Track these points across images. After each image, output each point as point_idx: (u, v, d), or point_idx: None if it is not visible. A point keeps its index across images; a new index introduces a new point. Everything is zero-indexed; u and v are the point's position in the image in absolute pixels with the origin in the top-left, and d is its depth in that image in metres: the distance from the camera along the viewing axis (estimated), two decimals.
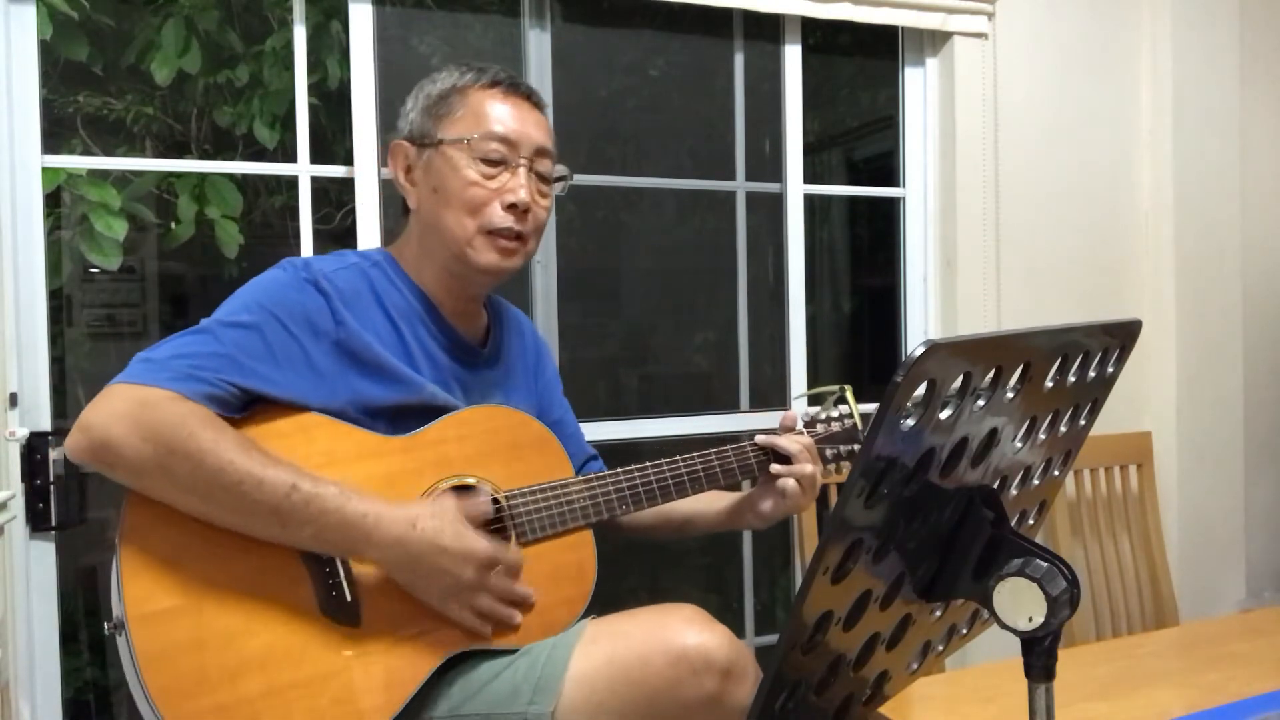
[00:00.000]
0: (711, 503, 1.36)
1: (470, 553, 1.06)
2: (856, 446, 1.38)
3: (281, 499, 1.00)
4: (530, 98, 1.23)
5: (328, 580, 1.05)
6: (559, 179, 1.25)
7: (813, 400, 1.44)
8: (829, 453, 1.36)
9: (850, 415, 1.38)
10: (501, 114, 1.19)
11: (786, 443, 1.28)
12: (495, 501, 1.16)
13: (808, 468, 1.27)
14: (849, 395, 1.38)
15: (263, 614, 1.02)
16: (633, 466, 1.25)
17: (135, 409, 0.98)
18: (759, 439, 1.30)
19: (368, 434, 1.11)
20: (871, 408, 1.35)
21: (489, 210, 1.17)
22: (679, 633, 1.03)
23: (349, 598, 1.05)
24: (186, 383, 1.00)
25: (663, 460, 1.27)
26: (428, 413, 1.15)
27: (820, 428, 1.37)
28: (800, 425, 1.36)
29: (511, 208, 1.17)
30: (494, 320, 1.32)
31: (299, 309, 1.09)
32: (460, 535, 1.06)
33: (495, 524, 1.16)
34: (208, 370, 1.02)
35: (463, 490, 1.15)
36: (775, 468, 1.28)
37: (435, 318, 1.21)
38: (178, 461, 0.98)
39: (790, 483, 1.26)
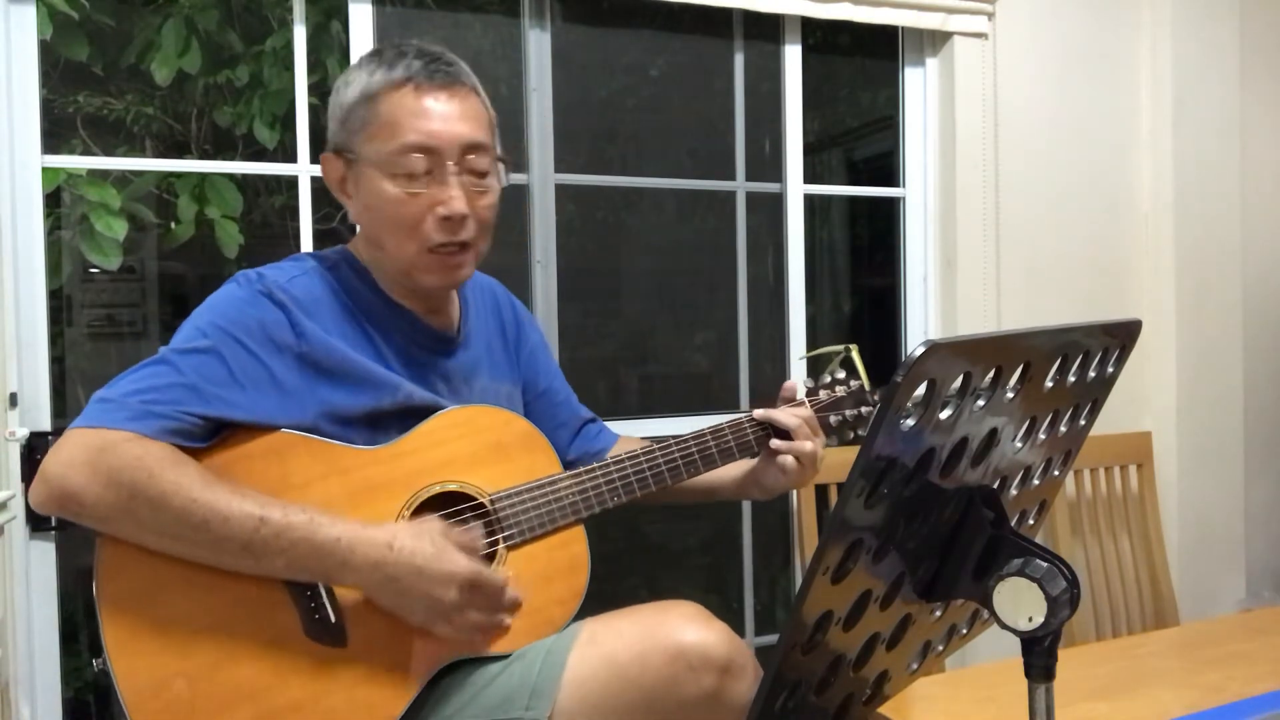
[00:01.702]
0: (726, 471, 1.31)
1: (451, 574, 1.02)
2: (864, 409, 1.33)
3: (250, 533, 0.97)
4: (451, 85, 1.10)
5: (310, 603, 1.02)
6: (500, 161, 1.14)
7: (815, 361, 1.39)
8: (833, 420, 1.31)
9: (857, 377, 1.33)
10: (417, 118, 1.07)
11: (784, 417, 1.24)
12: (481, 506, 1.13)
13: (806, 445, 1.23)
14: (855, 356, 1.33)
15: (247, 642, 1.00)
16: (623, 455, 1.22)
17: (93, 455, 0.95)
18: (757, 414, 1.26)
19: (344, 448, 1.07)
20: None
21: (424, 228, 1.09)
22: (677, 630, 1.02)
23: (333, 619, 1.03)
24: (145, 421, 0.97)
25: (655, 446, 1.23)
26: (407, 414, 1.11)
27: (824, 394, 1.32)
28: (801, 394, 1.31)
29: (446, 221, 1.09)
30: (464, 301, 1.26)
31: (257, 325, 1.04)
32: (440, 556, 1.02)
33: (485, 528, 1.13)
34: (166, 404, 0.98)
35: (448, 500, 1.12)
36: (774, 444, 1.24)
37: (402, 313, 1.16)
38: (140, 505, 0.95)
39: (789, 460, 1.22)
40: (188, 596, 1.00)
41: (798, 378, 1.35)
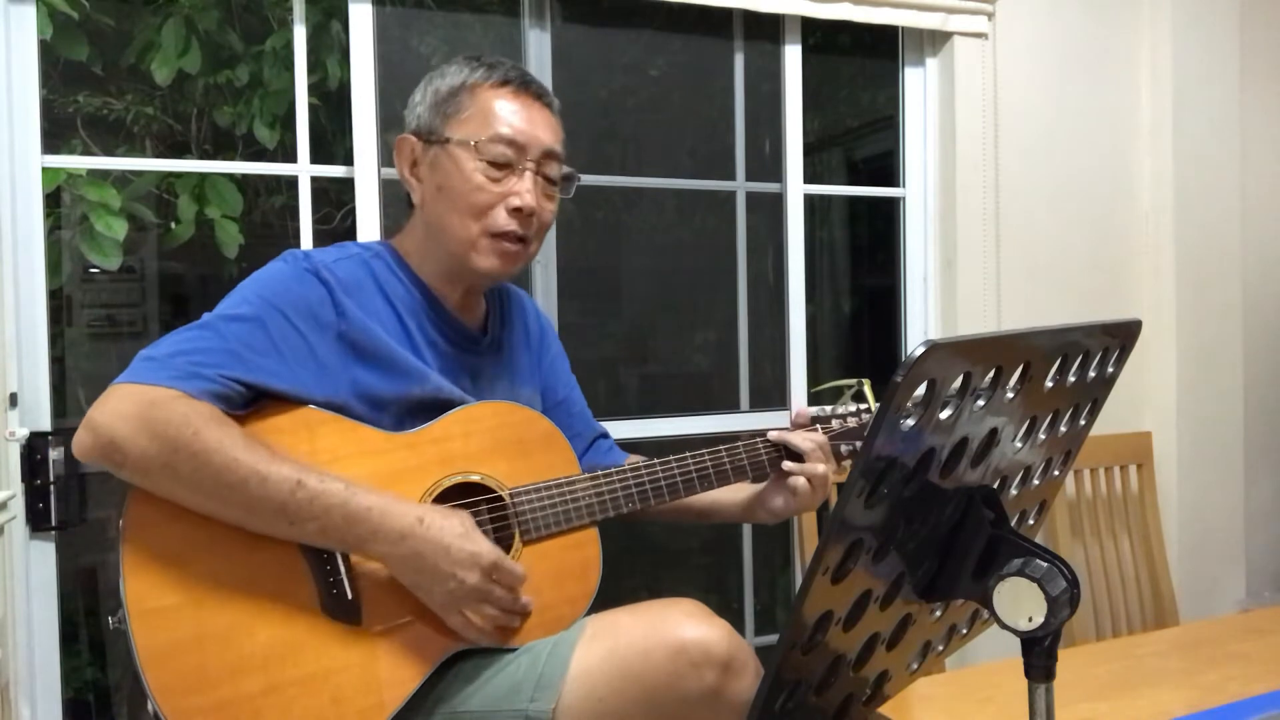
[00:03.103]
0: (730, 494, 1.34)
1: (476, 556, 1.04)
2: None
3: (287, 495, 1.00)
4: (541, 98, 1.21)
5: (328, 579, 1.05)
6: (566, 178, 1.23)
7: (828, 394, 1.41)
8: (844, 448, 1.34)
9: (869, 409, 1.35)
10: (510, 115, 1.17)
11: (800, 440, 1.27)
12: (499, 499, 1.16)
13: (819, 467, 1.26)
14: (867, 389, 1.36)
15: (264, 611, 1.02)
16: (640, 463, 1.24)
17: (141, 408, 0.98)
18: (771, 435, 1.29)
19: (372, 430, 1.10)
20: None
21: (493, 213, 1.16)
22: (679, 626, 1.03)
23: (350, 596, 1.05)
24: (191, 381, 1.00)
25: (671, 457, 1.25)
26: (433, 406, 1.14)
27: (835, 423, 1.34)
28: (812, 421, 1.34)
29: (516, 211, 1.16)
30: (493, 305, 1.31)
31: (301, 300, 1.08)
32: (467, 537, 1.05)
33: (500, 521, 1.15)
34: (210, 367, 1.02)
35: (468, 490, 1.15)
36: (787, 465, 1.27)
37: (438, 309, 1.20)
38: (183, 460, 0.98)
39: (801, 481, 1.25)
40: (210, 562, 1.02)
41: (809, 407, 1.37)
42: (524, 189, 1.16)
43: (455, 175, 1.16)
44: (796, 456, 1.27)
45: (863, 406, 1.36)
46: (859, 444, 1.35)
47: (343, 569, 1.05)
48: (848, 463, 1.35)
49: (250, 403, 1.06)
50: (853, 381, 1.37)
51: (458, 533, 1.04)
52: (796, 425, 1.32)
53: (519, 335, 1.34)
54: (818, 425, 1.34)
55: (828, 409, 1.37)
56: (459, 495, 1.14)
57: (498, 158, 1.15)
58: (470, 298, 1.25)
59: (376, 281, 1.16)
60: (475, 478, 1.15)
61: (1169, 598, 2.22)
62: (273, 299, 1.07)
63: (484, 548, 1.05)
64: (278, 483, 1.00)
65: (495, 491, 1.16)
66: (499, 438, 1.18)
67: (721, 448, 1.28)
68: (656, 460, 1.25)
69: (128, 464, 0.99)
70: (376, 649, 1.05)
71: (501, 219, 1.16)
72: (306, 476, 1.01)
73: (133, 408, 0.98)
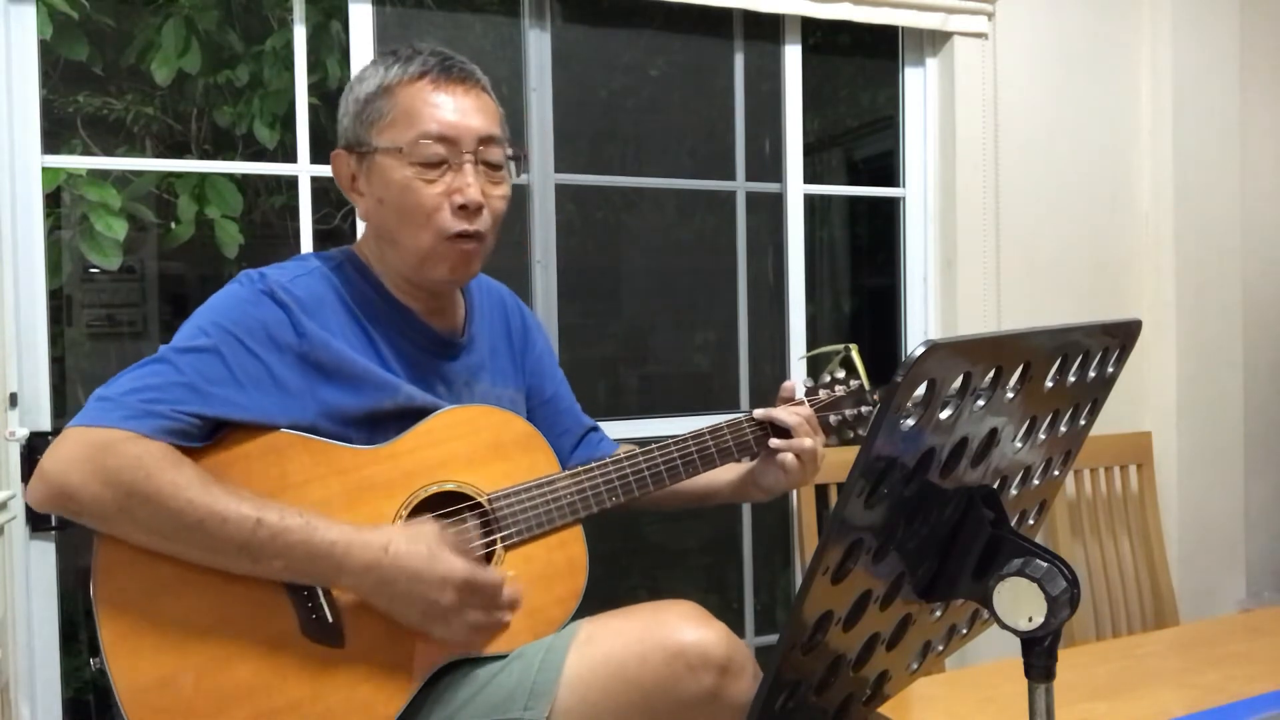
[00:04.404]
0: (723, 473, 1.32)
1: (446, 577, 1.01)
2: (864, 409, 1.33)
3: (248, 535, 0.97)
4: (466, 80, 1.13)
5: (307, 603, 1.02)
6: (511, 158, 1.16)
7: (815, 361, 1.39)
8: (833, 419, 1.31)
9: (857, 376, 1.33)
10: (434, 110, 1.09)
11: (785, 415, 1.24)
12: (478, 505, 1.13)
13: (806, 442, 1.23)
14: (855, 355, 1.33)
15: (244, 642, 1.00)
16: (621, 454, 1.21)
17: (91, 453, 0.95)
18: (757, 413, 1.26)
19: (342, 448, 1.07)
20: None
21: (440, 217, 1.09)
22: (676, 629, 1.02)
23: (330, 619, 1.03)
24: (143, 420, 0.97)
25: (654, 446, 1.22)
26: (406, 416, 1.11)
27: (823, 393, 1.32)
28: (801, 393, 1.32)
29: (462, 209, 1.10)
30: (470, 304, 1.26)
31: (258, 324, 1.04)
32: (435, 559, 1.01)
33: (482, 528, 1.13)
34: (165, 403, 0.98)
35: (446, 499, 1.12)
36: (774, 442, 1.24)
37: (406, 316, 1.16)
38: (137, 504, 0.95)
39: (790, 458, 1.22)
40: (185, 597, 1.00)
41: (797, 378, 1.34)
42: (465, 184, 1.09)
43: (391, 186, 1.10)
44: (784, 433, 1.24)
45: (849, 375, 1.33)
46: (849, 413, 1.32)
47: (321, 593, 1.03)
48: (835, 437, 1.33)
49: (212, 433, 1.03)
50: (840, 347, 1.34)
51: (424, 556, 1.01)
52: (783, 399, 1.30)
53: (499, 334, 1.29)
54: (804, 399, 1.31)
55: (824, 376, 1.35)
56: (437, 505, 1.11)
57: (429, 158, 1.09)
58: (439, 301, 1.20)
59: (338, 294, 1.11)
60: (451, 486, 1.12)
61: (1169, 598, 2.22)
62: (229, 326, 1.03)
63: (454, 566, 1.02)
64: (237, 523, 0.97)
65: (474, 499, 1.13)
66: (474, 443, 1.14)
67: (705, 432, 1.25)
68: (639, 450, 1.22)
69: (83, 512, 0.96)
70: (363, 668, 1.03)
71: (449, 221, 1.10)
72: (266, 514, 0.98)
73: (83, 452, 0.95)
